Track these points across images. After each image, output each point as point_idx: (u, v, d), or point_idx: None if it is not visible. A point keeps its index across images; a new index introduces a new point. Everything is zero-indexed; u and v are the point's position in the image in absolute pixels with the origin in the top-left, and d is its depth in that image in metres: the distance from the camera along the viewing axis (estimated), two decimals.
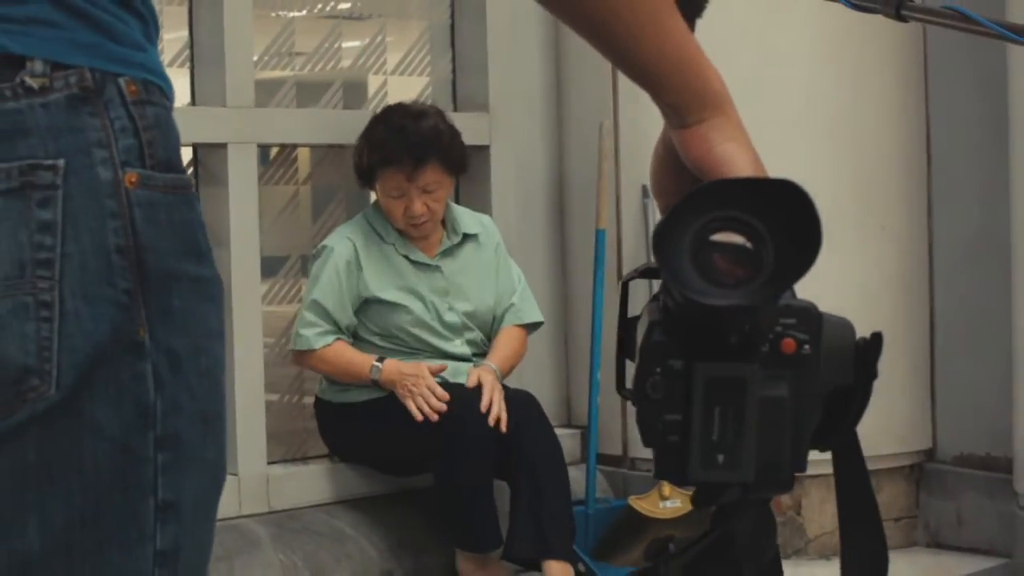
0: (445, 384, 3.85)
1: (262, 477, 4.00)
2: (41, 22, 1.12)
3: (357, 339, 3.97)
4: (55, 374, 1.09)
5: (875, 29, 4.06)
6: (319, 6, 4.46)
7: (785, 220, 0.96)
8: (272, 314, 4.24)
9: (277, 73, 4.33)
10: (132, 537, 1.13)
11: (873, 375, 1.05)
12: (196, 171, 3.99)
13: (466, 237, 4.06)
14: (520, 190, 4.58)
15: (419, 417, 3.76)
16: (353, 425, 4.02)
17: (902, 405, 4.40)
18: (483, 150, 4.43)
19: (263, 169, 4.19)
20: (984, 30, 1.55)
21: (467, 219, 4.09)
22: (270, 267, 4.21)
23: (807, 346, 1.02)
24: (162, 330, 1.14)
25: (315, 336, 3.90)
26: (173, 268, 1.15)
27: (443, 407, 3.76)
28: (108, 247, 1.11)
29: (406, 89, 4.49)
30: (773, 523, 1.09)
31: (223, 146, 3.94)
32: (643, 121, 3.87)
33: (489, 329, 4.08)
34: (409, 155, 3.86)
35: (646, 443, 1.02)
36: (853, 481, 1.11)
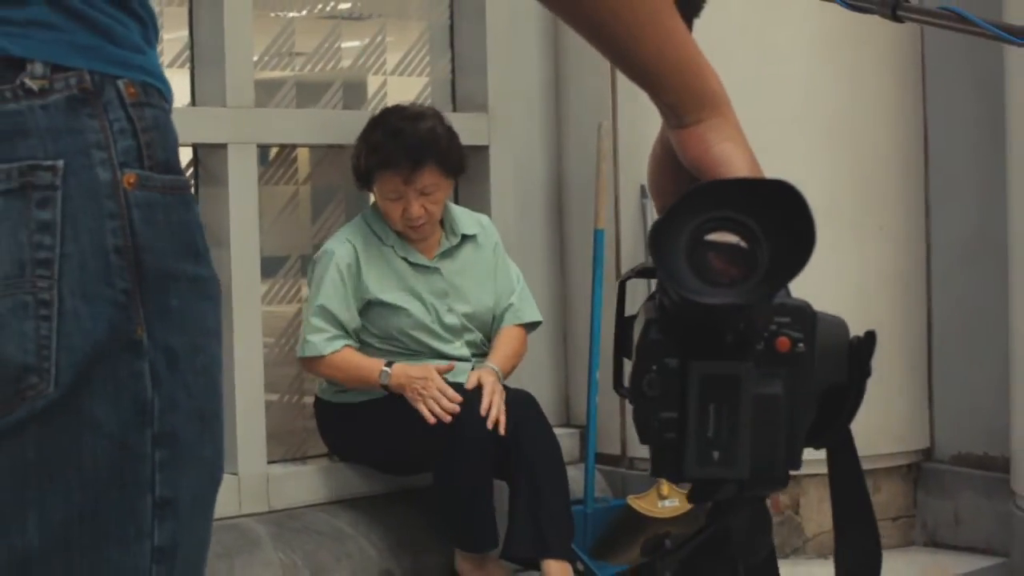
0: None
1: (262, 476, 4.01)
2: (41, 24, 1.13)
3: (358, 342, 3.97)
4: (54, 372, 1.10)
5: (873, 29, 4.07)
6: (319, 6, 4.47)
7: (780, 220, 0.97)
8: (272, 314, 4.25)
9: (277, 73, 4.34)
10: (130, 534, 1.14)
11: (867, 373, 1.06)
12: (196, 171, 4.00)
13: (465, 238, 4.05)
14: (519, 190, 4.58)
15: (432, 420, 3.75)
16: (353, 425, 4.02)
17: (900, 405, 4.41)
18: (482, 150, 4.43)
19: (263, 169, 4.20)
20: (980, 31, 1.55)
21: (465, 220, 4.09)
22: (270, 267, 4.22)
23: (801, 344, 1.03)
24: (160, 329, 1.15)
25: (323, 342, 3.89)
26: (171, 268, 1.16)
27: (456, 408, 3.75)
28: (107, 247, 1.12)
29: (406, 89, 4.50)
30: (768, 520, 1.10)
31: (223, 146, 3.94)
32: (642, 122, 3.88)
33: (488, 329, 4.08)
34: (406, 158, 3.85)
35: (643, 440, 1.03)
36: (847, 479, 1.11)
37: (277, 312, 4.29)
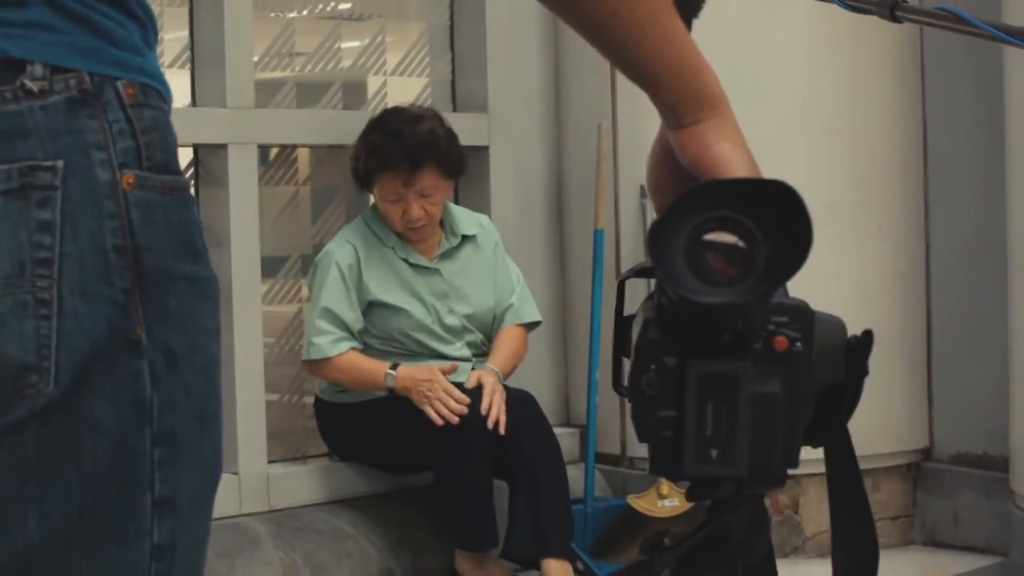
0: None
1: (262, 476, 4.01)
2: (41, 26, 1.14)
3: (362, 343, 3.97)
4: (54, 371, 1.11)
5: (872, 30, 4.07)
6: (319, 7, 4.48)
7: (778, 220, 0.97)
8: (272, 314, 4.25)
9: (277, 74, 4.34)
10: (130, 531, 1.15)
11: (864, 372, 1.06)
12: (197, 171, 4.00)
13: (465, 239, 4.05)
14: (519, 190, 4.59)
15: (439, 422, 3.75)
16: (353, 424, 4.03)
17: (899, 404, 4.42)
18: (482, 151, 4.44)
19: (263, 169, 4.20)
20: (977, 31, 1.56)
21: (465, 220, 4.08)
22: (270, 267, 4.22)
23: (799, 344, 1.03)
24: (159, 328, 1.15)
25: (329, 344, 3.88)
26: (170, 268, 1.17)
27: (463, 409, 3.75)
28: (106, 247, 1.13)
29: (406, 90, 4.50)
30: (767, 518, 1.11)
31: (223, 147, 3.95)
32: (641, 122, 3.88)
33: (489, 330, 4.08)
34: (405, 160, 3.84)
35: (641, 439, 1.03)
36: (845, 477, 1.12)
37: (277, 312, 4.30)
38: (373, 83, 4.51)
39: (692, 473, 1.02)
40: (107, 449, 1.13)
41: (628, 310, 1.11)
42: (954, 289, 4.48)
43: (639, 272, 1.12)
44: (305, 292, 4.23)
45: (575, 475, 4.24)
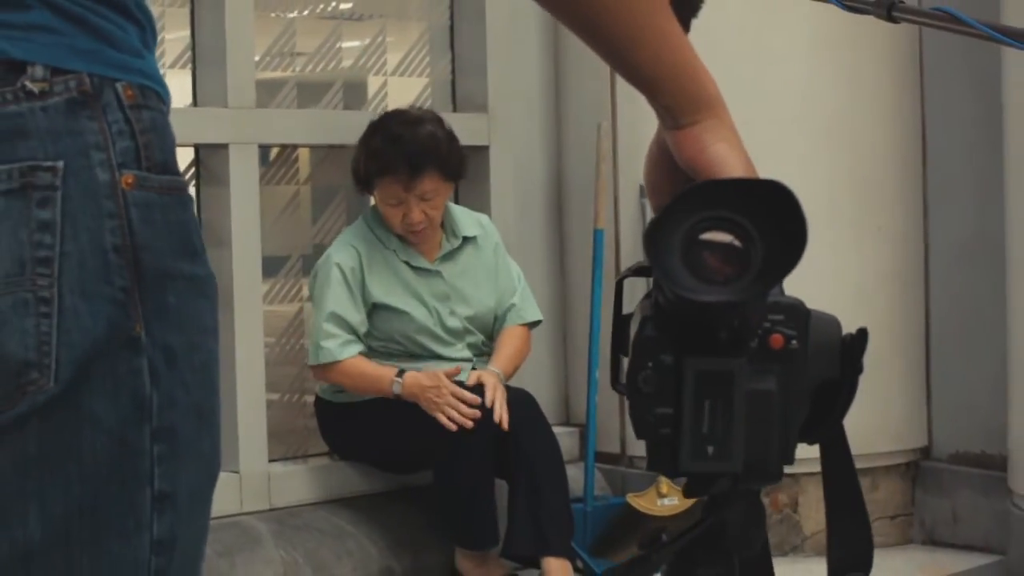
0: None
1: (263, 475, 4.02)
2: (42, 29, 1.14)
3: (367, 347, 3.97)
4: (54, 368, 1.12)
5: (871, 30, 4.08)
6: (320, 7, 4.48)
7: (773, 220, 0.98)
8: (273, 314, 4.26)
9: (278, 74, 4.35)
10: (130, 526, 1.16)
11: (859, 370, 1.07)
12: (198, 171, 4.01)
13: (465, 240, 4.04)
14: (519, 190, 4.59)
15: (453, 428, 3.74)
16: (353, 424, 4.03)
17: (898, 403, 4.42)
18: (482, 150, 4.45)
19: (264, 169, 4.21)
20: (974, 32, 1.57)
21: (466, 221, 4.07)
22: (271, 267, 4.23)
23: (795, 341, 1.04)
24: (158, 327, 1.16)
25: (338, 347, 3.88)
26: (168, 267, 1.18)
27: (476, 413, 3.75)
28: (105, 246, 1.14)
29: (406, 90, 4.51)
30: (763, 514, 1.12)
31: (224, 146, 3.96)
32: (641, 122, 3.88)
33: (490, 330, 4.08)
34: (406, 165, 3.83)
35: (639, 435, 1.04)
36: (840, 473, 1.13)
37: (278, 312, 4.30)
38: (373, 83, 4.52)
39: (689, 469, 1.03)
40: (107, 445, 1.14)
41: (626, 309, 1.12)
42: (953, 289, 4.48)
43: (637, 271, 1.13)
44: (306, 292, 4.24)
45: (575, 474, 4.25)
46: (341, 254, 3.93)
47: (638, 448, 4.45)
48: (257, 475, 4.00)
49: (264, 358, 4.04)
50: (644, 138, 1.19)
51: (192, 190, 3.90)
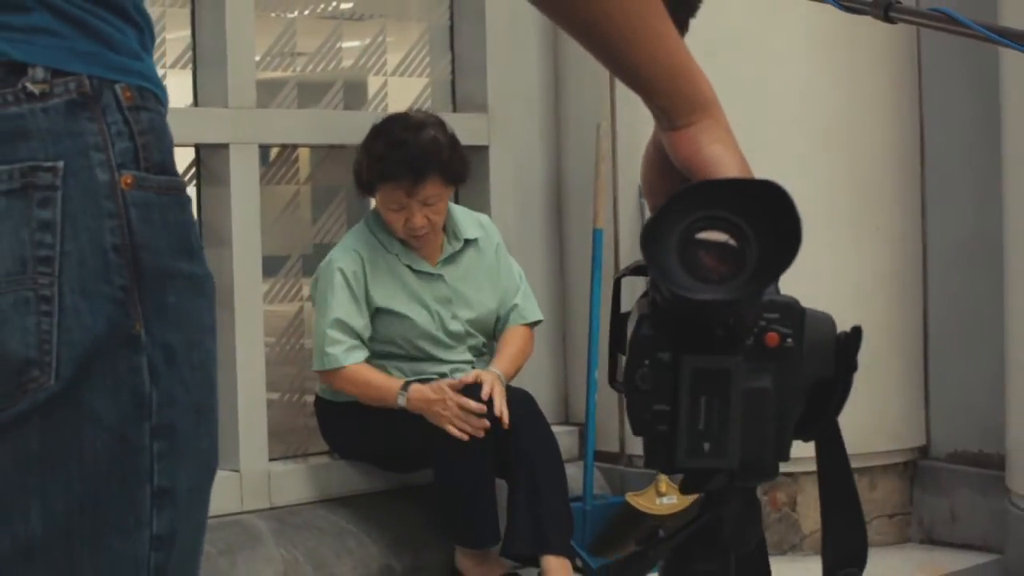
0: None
1: (263, 474, 4.03)
2: (43, 31, 1.16)
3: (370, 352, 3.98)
4: (55, 366, 1.13)
5: (868, 31, 4.09)
6: (320, 7, 4.49)
7: (768, 219, 0.99)
8: (273, 313, 4.26)
9: (278, 74, 4.36)
10: (130, 523, 1.17)
11: (853, 368, 1.08)
12: (198, 171, 4.02)
13: (467, 243, 4.03)
14: (518, 190, 4.60)
15: (464, 438, 3.74)
16: (353, 423, 4.03)
17: (896, 403, 4.43)
18: (482, 151, 4.45)
19: (264, 169, 4.21)
20: (971, 32, 1.57)
21: (467, 223, 4.06)
22: (271, 267, 4.23)
23: (790, 340, 1.05)
24: (157, 325, 1.17)
25: (343, 353, 3.87)
26: (167, 266, 1.19)
27: (485, 423, 3.75)
28: (105, 245, 1.15)
29: (406, 90, 4.52)
30: (759, 511, 1.13)
31: (225, 146, 3.96)
32: (640, 123, 3.89)
33: (491, 332, 4.08)
34: (408, 170, 3.82)
35: (636, 432, 1.05)
36: (835, 470, 1.14)
37: (278, 311, 4.31)
38: (374, 83, 4.52)
39: (685, 466, 1.04)
40: (107, 443, 1.15)
41: (624, 307, 1.13)
42: (951, 288, 4.49)
43: (634, 270, 1.14)
44: (306, 292, 4.25)
45: (574, 473, 4.26)
46: (344, 258, 3.92)
47: (637, 447, 4.46)
48: (257, 474, 4.01)
49: (264, 358, 4.04)
50: (643, 138, 1.20)
51: (193, 190, 3.92)
